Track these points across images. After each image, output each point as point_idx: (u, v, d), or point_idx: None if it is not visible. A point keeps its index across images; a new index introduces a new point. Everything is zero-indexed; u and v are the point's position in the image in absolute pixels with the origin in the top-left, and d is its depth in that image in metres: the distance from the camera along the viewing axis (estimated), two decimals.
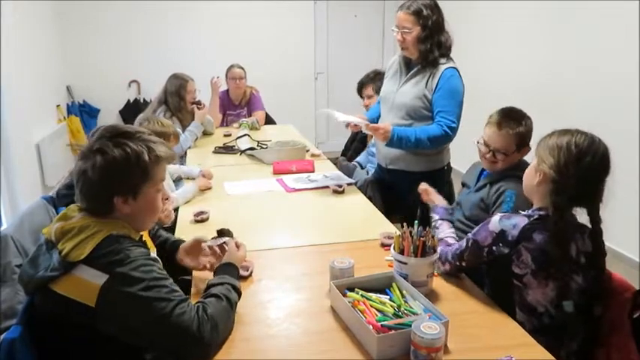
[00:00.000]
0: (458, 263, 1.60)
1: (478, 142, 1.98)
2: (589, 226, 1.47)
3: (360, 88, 3.46)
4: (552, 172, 1.43)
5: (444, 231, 1.84)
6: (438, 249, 1.62)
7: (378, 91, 3.28)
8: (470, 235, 1.58)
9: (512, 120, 1.90)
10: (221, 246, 1.65)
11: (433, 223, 1.90)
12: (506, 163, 1.92)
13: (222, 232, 1.70)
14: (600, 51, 3.55)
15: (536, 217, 1.46)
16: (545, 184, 1.46)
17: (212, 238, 1.68)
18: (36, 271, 1.22)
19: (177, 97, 3.65)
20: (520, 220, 1.46)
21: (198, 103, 3.75)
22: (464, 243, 1.58)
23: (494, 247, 1.49)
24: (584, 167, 1.41)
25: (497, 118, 1.93)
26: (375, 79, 3.34)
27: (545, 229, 1.43)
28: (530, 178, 1.54)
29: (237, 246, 1.61)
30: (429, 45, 2.38)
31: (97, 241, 1.21)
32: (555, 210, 1.43)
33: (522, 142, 1.90)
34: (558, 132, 1.49)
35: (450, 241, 1.76)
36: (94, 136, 1.29)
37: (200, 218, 2.17)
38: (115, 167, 1.24)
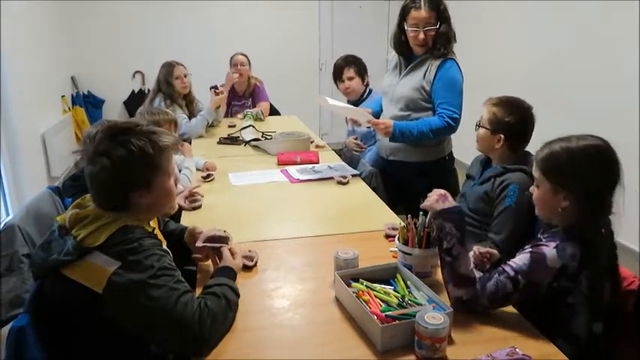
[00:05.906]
0: (497, 305, 1.36)
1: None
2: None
3: (340, 71, 3.34)
4: (581, 194, 1.33)
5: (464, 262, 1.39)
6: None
7: (359, 74, 3.28)
8: (518, 275, 1.32)
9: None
10: (217, 250, 1.60)
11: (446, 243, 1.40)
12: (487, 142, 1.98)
13: (213, 239, 1.62)
14: (604, 47, 3.52)
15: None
16: (575, 204, 1.35)
17: (207, 240, 1.62)
18: (48, 255, 1.24)
19: (167, 85, 3.63)
20: (575, 250, 1.32)
21: (216, 87, 3.73)
22: (507, 283, 1.32)
23: (555, 284, 1.33)
24: (611, 172, 1.35)
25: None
26: (356, 62, 3.32)
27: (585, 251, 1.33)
28: (551, 205, 1.40)
29: (233, 254, 1.57)
30: (449, 36, 2.38)
31: (112, 230, 1.23)
32: (594, 229, 1.35)
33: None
34: (556, 146, 1.38)
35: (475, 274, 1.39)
36: (95, 138, 1.27)
37: (193, 205, 2.20)
38: (123, 166, 1.26)
